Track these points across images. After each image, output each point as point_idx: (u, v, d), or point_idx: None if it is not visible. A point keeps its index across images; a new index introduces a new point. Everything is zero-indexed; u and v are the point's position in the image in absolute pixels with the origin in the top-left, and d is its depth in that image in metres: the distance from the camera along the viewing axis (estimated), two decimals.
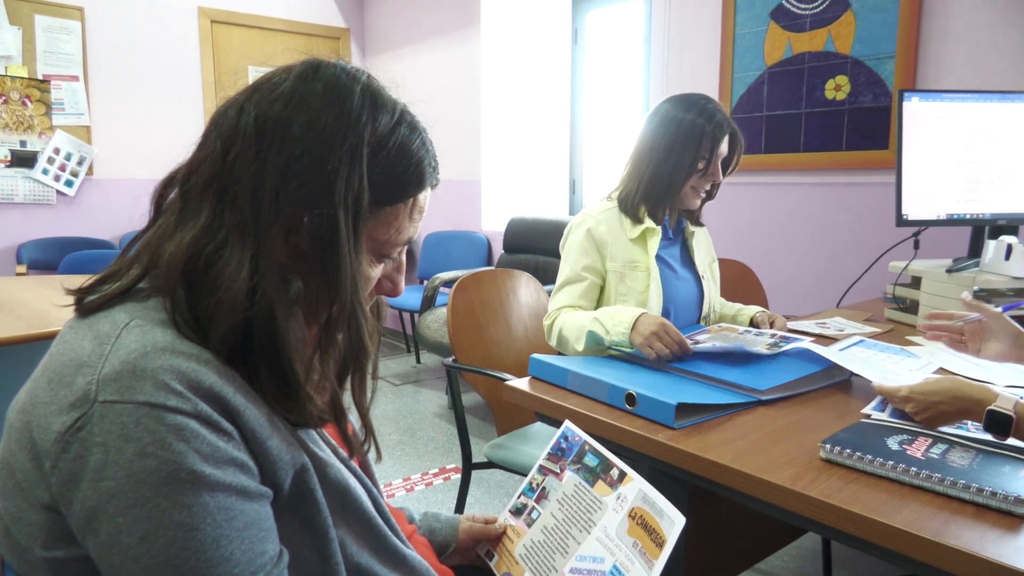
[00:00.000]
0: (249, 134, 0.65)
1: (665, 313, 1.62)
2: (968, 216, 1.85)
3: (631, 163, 1.65)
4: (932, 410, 1.04)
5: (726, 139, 1.60)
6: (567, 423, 1.05)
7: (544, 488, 1.00)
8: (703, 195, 1.65)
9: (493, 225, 4.27)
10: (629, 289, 1.58)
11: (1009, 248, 1.72)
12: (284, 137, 0.65)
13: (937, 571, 0.78)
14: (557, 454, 1.02)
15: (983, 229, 1.89)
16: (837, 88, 2.57)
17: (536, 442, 1.85)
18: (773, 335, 1.51)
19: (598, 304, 1.64)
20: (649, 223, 1.60)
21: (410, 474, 2.83)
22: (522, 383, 1.34)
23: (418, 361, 4.53)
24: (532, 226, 3.89)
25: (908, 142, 1.77)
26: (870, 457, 0.93)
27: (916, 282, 1.91)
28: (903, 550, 0.79)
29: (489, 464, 1.85)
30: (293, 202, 0.65)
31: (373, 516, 0.74)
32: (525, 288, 2.14)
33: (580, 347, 1.48)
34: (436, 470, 2.86)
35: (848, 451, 0.95)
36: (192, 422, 0.57)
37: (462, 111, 4.30)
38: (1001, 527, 0.80)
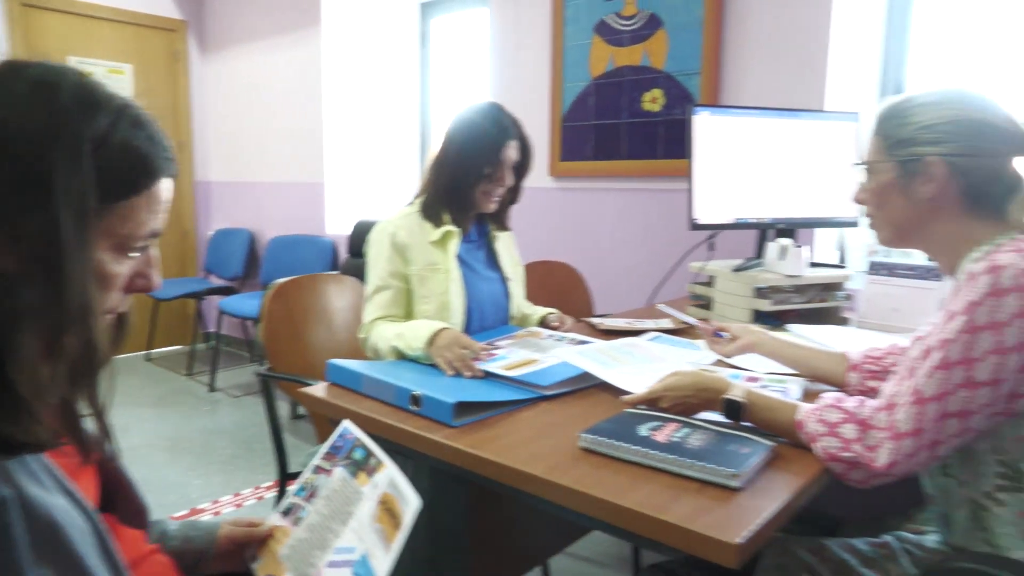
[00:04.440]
0: None
1: (469, 313, 1.66)
2: (753, 220, 2.03)
3: (431, 169, 1.69)
4: (683, 404, 1.14)
5: (515, 145, 1.66)
6: (345, 423, 1.05)
7: (315, 487, 1.00)
8: (496, 199, 1.70)
9: (339, 228, 4.19)
10: (430, 291, 1.61)
11: (784, 249, 1.91)
12: None
13: (660, 545, 0.85)
14: (333, 453, 1.02)
15: (767, 232, 2.09)
16: (653, 100, 2.74)
17: None
18: (573, 339, 1.60)
19: (409, 308, 1.66)
20: (449, 226, 1.64)
21: (241, 489, 2.72)
22: (318, 389, 1.33)
23: None
24: None
25: (699, 153, 1.93)
26: (619, 444, 1.00)
27: (712, 281, 2.08)
28: (631, 527, 0.86)
29: None
30: (13, 207, 0.62)
31: (83, 558, 0.71)
32: (352, 292, 2.11)
33: None
34: (270, 483, 2.77)
35: (602, 439, 1.02)
36: None
37: (304, 111, 4.19)
38: (717, 500, 0.89)
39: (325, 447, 1.03)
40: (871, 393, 1.17)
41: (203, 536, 0.98)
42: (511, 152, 1.66)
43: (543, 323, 1.81)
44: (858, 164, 1.15)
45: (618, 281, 2.94)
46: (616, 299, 2.84)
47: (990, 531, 0.96)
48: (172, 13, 4.83)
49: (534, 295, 2.24)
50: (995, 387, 0.89)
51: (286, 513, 1.00)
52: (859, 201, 1.17)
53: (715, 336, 1.49)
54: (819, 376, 1.35)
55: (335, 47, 4.08)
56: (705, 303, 2.10)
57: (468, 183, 1.64)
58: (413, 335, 1.43)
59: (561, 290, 2.53)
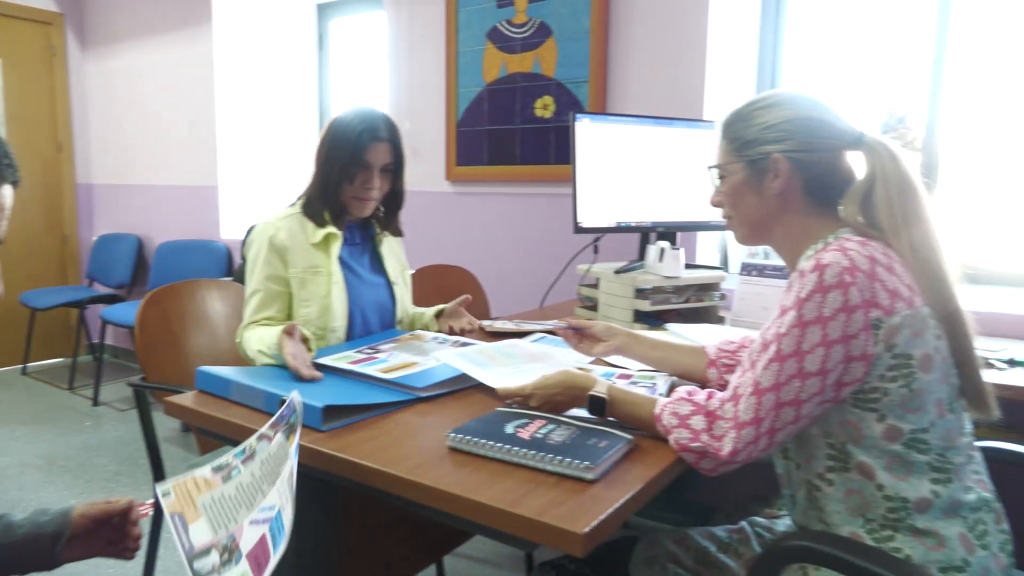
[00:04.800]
0: None
1: (352, 317, 1.65)
2: (634, 224, 2.11)
3: (312, 170, 1.66)
4: (552, 402, 1.17)
5: (384, 148, 1.62)
6: (293, 393, 1.07)
7: (255, 451, 1.00)
8: (370, 202, 1.66)
9: (234, 233, 4.05)
10: (311, 294, 1.58)
11: (662, 251, 1.99)
12: None
13: (513, 538, 0.88)
14: (278, 421, 1.03)
15: (648, 235, 2.18)
16: (545, 107, 2.80)
17: None
18: (456, 341, 1.61)
19: (290, 311, 1.63)
20: (332, 228, 1.62)
21: None
22: (185, 398, 1.29)
23: None
24: None
25: (581, 159, 1.99)
26: (482, 441, 1.02)
27: (598, 282, 2.14)
28: (486, 522, 0.88)
29: None
30: None
31: None
32: (236, 297, 2.05)
33: None
34: (154, 500, 2.65)
35: (469, 438, 1.04)
36: None
37: (196, 112, 4.03)
38: (572, 492, 0.92)
39: (273, 418, 1.05)
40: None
41: (55, 519, 0.95)
42: (378, 155, 1.61)
43: (440, 315, 1.81)
44: (711, 167, 1.22)
45: (513, 284, 2.99)
46: (511, 302, 2.89)
47: (823, 510, 1.04)
48: (47, 5, 4.54)
49: (430, 299, 2.24)
50: (823, 377, 0.97)
51: (217, 469, 0.99)
52: (715, 204, 1.24)
53: (575, 332, 1.52)
54: (684, 374, 1.41)
55: (228, 46, 3.95)
56: (593, 304, 2.16)
57: (335, 185, 1.60)
58: (269, 342, 1.41)
59: (457, 294, 2.51)
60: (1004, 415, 1.09)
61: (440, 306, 1.84)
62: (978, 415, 1.07)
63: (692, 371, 1.39)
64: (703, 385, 1.34)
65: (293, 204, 1.68)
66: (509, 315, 2.26)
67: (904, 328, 0.97)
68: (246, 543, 0.86)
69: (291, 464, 0.91)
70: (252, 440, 1.02)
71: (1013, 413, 1.69)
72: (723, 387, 1.28)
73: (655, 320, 1.99)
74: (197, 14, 3.95)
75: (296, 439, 0.95)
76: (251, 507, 0.91)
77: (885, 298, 0.97)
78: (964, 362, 1.04)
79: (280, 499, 0.88)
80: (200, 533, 0.89)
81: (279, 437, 0.99)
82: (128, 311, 3.86)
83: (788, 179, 1.10)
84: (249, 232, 1.74)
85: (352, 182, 1.61)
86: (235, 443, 1.21)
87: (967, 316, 1.04)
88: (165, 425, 3.42)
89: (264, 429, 1.03)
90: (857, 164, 1.11)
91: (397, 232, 1.83)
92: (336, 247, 1.62)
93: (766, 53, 2.64)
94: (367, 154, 1.60)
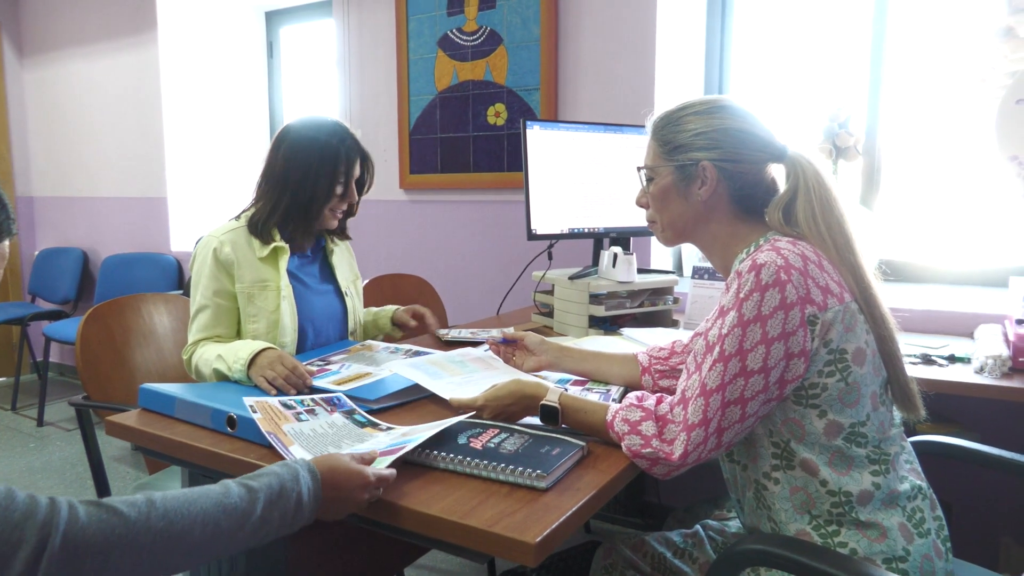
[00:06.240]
0: None
1: (302, 331, 1.62)
2: (587, 230, 2.13)
3: (264, 186, 1.62)
4: (504, 412, 1.17)
5: (359, 161, 1.63)
6: (340, 395, 1.28)
7: (314, 410, 1.18)
8: (340, 215, 1.68)
9: (185, 245, 3.96)
10: (259, 309, 1.55)
11: (615, 257, 2.01)
12: None
13: (465, 550, 0.87)
14: (333, 404, 1.23)
15: (602, 240, 2.19)
16: (497, 114, 2.81)
17: None
18: (408, 351, 1.60)
19: (239, 327, 1.59)
20: (279, 242, 1.59)
21: None
22: (128, 416, 1.25)
23: None
24: None
25: (533, 165, 1.99)
26: (433, 452, 1.02)
27: (553, 289, 2.15)
28: (436, 535, 0.88)
29: None
30: None
31: None
32: (183, 311, 2.00)
33: None
34: None
35: (420, 449, 1.03)
36: None
37: (142, 122, 3.93)
38: (524, 502, 0.92)
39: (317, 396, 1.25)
40: (666, 392, 1.24)
41: None
42: (357, 168, 1.63)
43: (394, 321, 1.84)
44: (640, 168, 1.23)
45: (470, 292, 2.98)
46: (468, 310, 2.88)
47: (771, 508, 1.06)
48: None
49: None
50: (766, 375, 0.99)
51: (285, 406, 1.16)
52: (641, 204, 1.26)
53: (506, 344, 1.51)
54: (622, 383, 1.41)
55: (175, 54, 3.87)
56: (549, 311, 2.16)
57: (318, 203, 1.59)
58: (233, 356, 1.37)
59: (413, 302, 2.51)
60: (945, 410, 1.11)
61: (392, 309, 1.85)
62: (905, 414, 1.10)
63: (627, 380, 1.40)
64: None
65: (237, 218, 1.64)
66: (466, 323, 2.25)
67: (837, 323, 1.00)
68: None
69: (388, 438, 1.09)
70: (308, 397, 1.22)
71: (955, 408, 1.75)
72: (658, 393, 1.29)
73: (610, 325, 2.00)
74: (141, 22, 3.86)
75: (387, 432, 1.12)
76: (338, 447, 1.06)
77: (818, 294, 1.00)
78: (890, 361, 1.07)
79: (383, 444, 1.05)
80: (300, 454, 1.02)
81: (340, 418, 1.17)
82: (72, 327, 3.73)
83: (715, 187, 1.12)
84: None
85: (342, 196, 1.62)
86: (180, 463, 1.18)
87: (888, 315, 1.07)
88: (115, 444, 3.31)
89: (319, 397, 1.23)
90: (779, 175, 1.14)
91: (344, 236, 1.81)
92: (284, 260, 1.59)
93: (713, 60, 2.69)
94: (352, 169, 1.61)
